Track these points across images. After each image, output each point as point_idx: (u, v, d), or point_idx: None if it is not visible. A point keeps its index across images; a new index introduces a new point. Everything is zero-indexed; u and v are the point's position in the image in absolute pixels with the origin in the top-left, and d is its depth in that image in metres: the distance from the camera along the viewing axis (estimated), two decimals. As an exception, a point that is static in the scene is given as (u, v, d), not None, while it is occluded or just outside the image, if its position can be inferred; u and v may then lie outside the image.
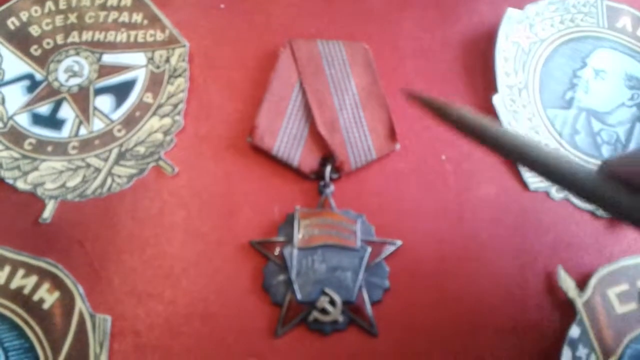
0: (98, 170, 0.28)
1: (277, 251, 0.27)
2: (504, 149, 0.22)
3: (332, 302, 0.25)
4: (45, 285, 0.26)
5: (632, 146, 0.30)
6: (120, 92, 0.30)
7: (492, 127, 0.22)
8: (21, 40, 0.32)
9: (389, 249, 0.27)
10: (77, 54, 0.31)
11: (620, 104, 0.31)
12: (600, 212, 0.28)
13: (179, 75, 0.31)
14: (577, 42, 0.33)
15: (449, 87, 0.32)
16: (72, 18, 0.32)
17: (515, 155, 0.22)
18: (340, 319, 0.25)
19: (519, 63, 0.32)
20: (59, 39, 0.32)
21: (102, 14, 0.32)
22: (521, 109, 0.31)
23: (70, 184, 0.28)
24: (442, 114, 0.24)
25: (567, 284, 0.26)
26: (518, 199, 0.29)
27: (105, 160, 0.29)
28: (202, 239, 0.27)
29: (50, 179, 0.28)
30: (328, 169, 0.28)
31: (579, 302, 0.26)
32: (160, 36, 0.32)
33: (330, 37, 0.32)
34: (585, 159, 0.30)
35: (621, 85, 0.32)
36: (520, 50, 0.32)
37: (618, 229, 0.28)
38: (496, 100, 0.30)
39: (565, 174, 0.20)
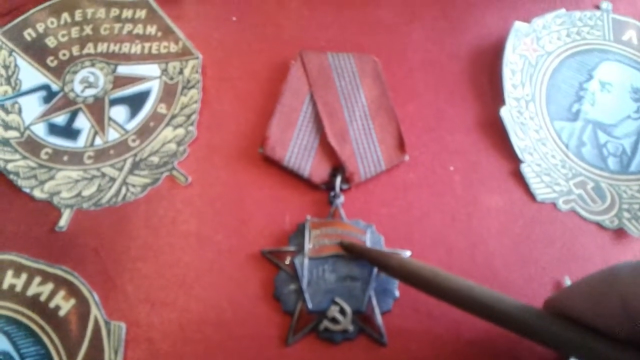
0: (113, 179, 0.29)
1: (288, 260, 0.27)
2: (446, 294, 0.23)
3: (343, 312, 0.26)
4: (61, 293, 0.26)
5: (637, 158, 0.31)
6: (135, 102, 0.31)
7: (436, 275, 0.23)
8: (37, 52, 0.33)
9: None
10: (93, 65, 0.32)
11: (626, 117, 0.32)
12: (606, 223, 0.29)
13: (192, 87, 0.31)
14: (583, 55, 0.34)
15: (456, 99, 0.32)
16: (88, 30, 0.33)
17: (458, 299, 0.22)
18: (350, 328, 0.25)
19: (526, 75, 0.32)
20: (75, 51, 0.33)
21: (117, 26, 0.33)
22: (528, 121, 0.31)
23: (86, 193, 0.29)
24: (381, 264, 0.25)
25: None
26: (525, 210, 0.29)
27: (120, 169, 0.29)
28: (214, 248, 0.28)
29: (66, 188, 0.29)
30: (338, 179, 0.29)
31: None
32: (173, 48, 0.32)
33: (339, 49, 0.33)
34: (591, 170, 0.30)
35: (627, 97, 0.32)
36: (527, 63, 0.33)
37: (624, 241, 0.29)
38: (503, 112, 0.31)
39: (512, 316, 0.21)
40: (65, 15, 0.34)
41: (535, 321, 0.21)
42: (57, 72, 0.32)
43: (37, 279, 0.26)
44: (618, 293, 0.18)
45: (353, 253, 0.26)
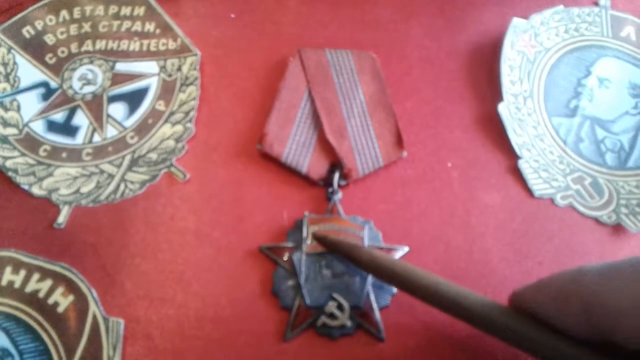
0: (111, 176, 0.29)
1: (286, 256, 0.27)
2: (415, 288, 0.23)
3: (340, 307, 0.26)
4: (60, 289, 0.26)
5: (635, 154, 0.31)
6: (133, 99, 0.31)
7: (404, 270, 0.23)
8: (36, 49, 0.33)
9: (396, 255, 0.27)
10: (91, 62, 0.32)
11: (624, 113, 0.32)
12: (604, 219, 0.29)
13: (191, 84, 0.31)
14: (581, 51, 0.34)
15: (454, 95, 0.32)
16: (86, 27, 0.33)
17: (425, 294, 0.23)
18: (348, 323, 0.25)
19: (524, 72, 0.32)
20: (73, 48, 0.33)
21: (116, 23, 0.33)
22: (526, 117, 0.31)
23: (84, 189, 0.29)
24: (352, 257, 0.25)
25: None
26: (523, 206, 0.29)
27: (119, 166, 0.29)
28: (212, 244, 0.28)
29: (64, 184, 0.29)
30: (336, 176, 0.29)
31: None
32: (172, 45, 0.33)
33: (338, 46, 0.33)
34: (589, 166, 0.30)
35: (625, 93, 0.32)
36: (525, 59, 0.33)
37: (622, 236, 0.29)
38: (501, 108, 0.31)
39: (475, 312, 0.21)
40: (64, 13, 0.34)
41: (497, 318, 0.21)
42: (56, 69, 0.32)
43: (36, 276, 0.26)
44: (581, 297, 0.18)
45: (325, 246, 0.27)
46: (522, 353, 0.21)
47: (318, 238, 0.27)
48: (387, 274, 0.24)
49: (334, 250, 0.26)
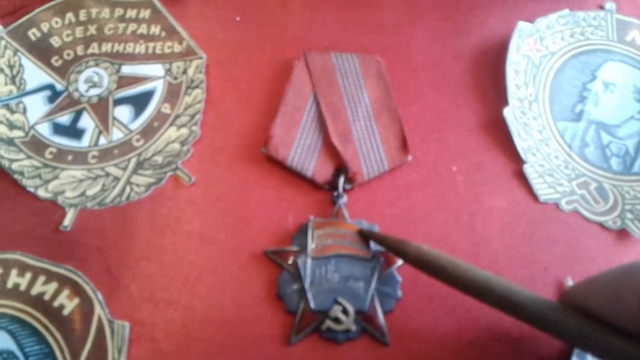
0: (117, 179, 0.29)
1: (290, 260, 0.27)
2: (463, 283, 0.23)
3: (345, 311, 0.26)
4: (65, 292, 0.26)
5: (641, 159, 0.31)
6: (139, 102, 0.31)
7: (453, 264, 0.23)
8: (42, 51, 0.33)
9: (400, 259, 0.27)
10: (97, 65, 0.32)
11: (630, 117, 0.32)
12: (609, 224, 0.29)
13: (196, 87, 0.31)
14: (586, 55, 0.34)
15: (459, 99, 0.32)
16: (92, 30, 0.33)
17: (475, 290, 0.22)
18: (353, 328, 0.25)
19: (529, 76, 0.32)
20: (79, 50, 0.33)
21: (121, 25, 0.33)
22: (531, 122, 0.31)
23: (90, 192, 0.29)
24: (399, 251, 0.25)
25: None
26: (528, 210, 0.29)
27: (124, 169, 0.29)
28: (217, 247, 0.28)
29: (70, 187, 0.29)
30: (341, 179, 0.29)
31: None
32: (177, 48, 0.33)
33: (343, 49, 0.33)
34: (594, 171, 0.30)
35: (630, 98, 0.32)
36: (530, 63, 0.33)
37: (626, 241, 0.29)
38: (507, 112, 0.31)
39: (528, 308, 0.21)
40: (70, 15, 0.34)
41: (550, 314, 0.21)
42: (62, 71, 0.32)
43: (41, 278, 0.27)
44: (635, 291, 0.18)
45: (370, 239, 0.27)
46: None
47: (363, 233, 0.27)
48: (434, 269, 0.24)
49: (381, 244, 0.26)
